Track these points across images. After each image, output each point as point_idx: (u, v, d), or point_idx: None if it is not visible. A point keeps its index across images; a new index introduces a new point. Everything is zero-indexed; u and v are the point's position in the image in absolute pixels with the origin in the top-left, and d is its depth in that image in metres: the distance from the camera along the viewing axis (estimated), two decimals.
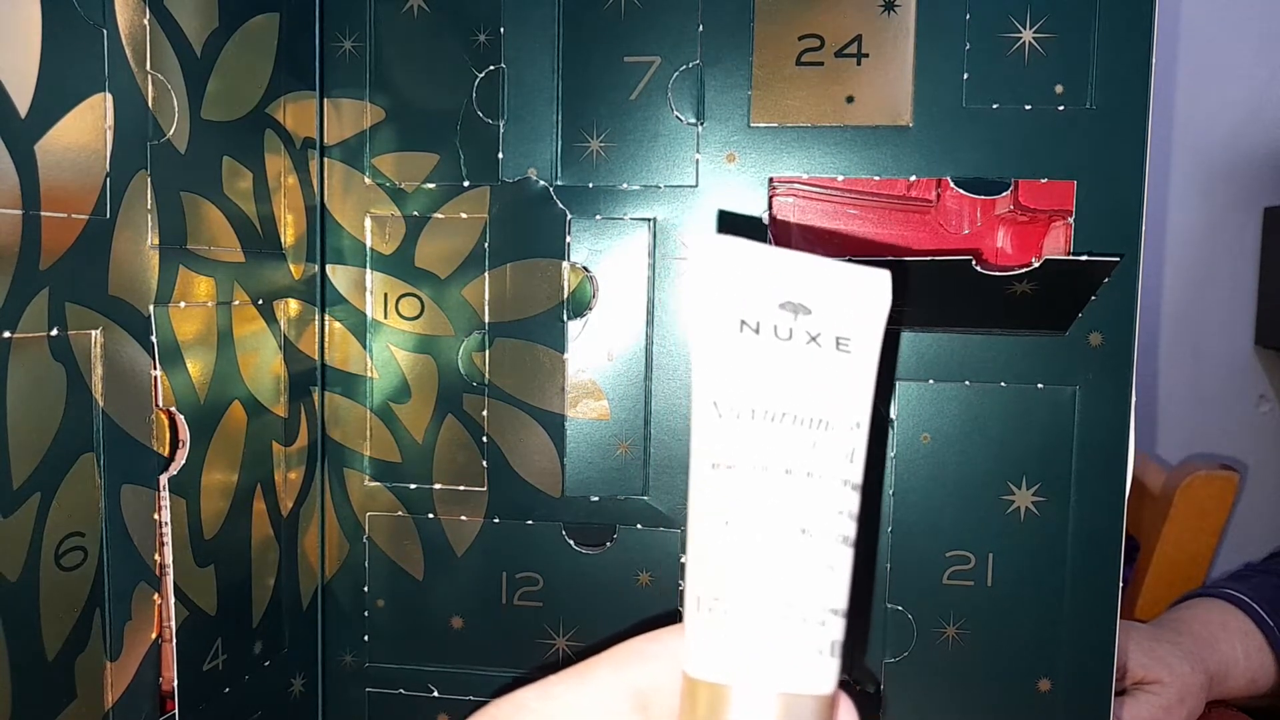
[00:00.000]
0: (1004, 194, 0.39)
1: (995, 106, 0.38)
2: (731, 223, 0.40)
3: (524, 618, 0.42)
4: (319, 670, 0.44)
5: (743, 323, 0.19)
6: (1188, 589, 0.78)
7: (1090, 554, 0.39)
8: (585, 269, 0.41)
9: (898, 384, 0.40)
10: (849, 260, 0.20)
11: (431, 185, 0.42)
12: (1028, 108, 0.38)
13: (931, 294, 0.37)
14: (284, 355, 0.40)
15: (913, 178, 0.39)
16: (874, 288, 0.20)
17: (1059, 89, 0.38)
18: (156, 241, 0.33)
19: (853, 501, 0.19)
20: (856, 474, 0.19)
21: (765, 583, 0.18)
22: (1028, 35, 0.38)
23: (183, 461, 0.34)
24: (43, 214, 0.28)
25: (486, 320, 0.42)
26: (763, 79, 0.40)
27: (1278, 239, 1.01)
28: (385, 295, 0.43)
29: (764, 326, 0.19)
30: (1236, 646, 0.61)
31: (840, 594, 0.19)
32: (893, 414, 0.40)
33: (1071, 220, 0.38)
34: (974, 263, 0.35)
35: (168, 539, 0.34)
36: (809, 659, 0.18)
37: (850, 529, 0.19)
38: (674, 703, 0.19)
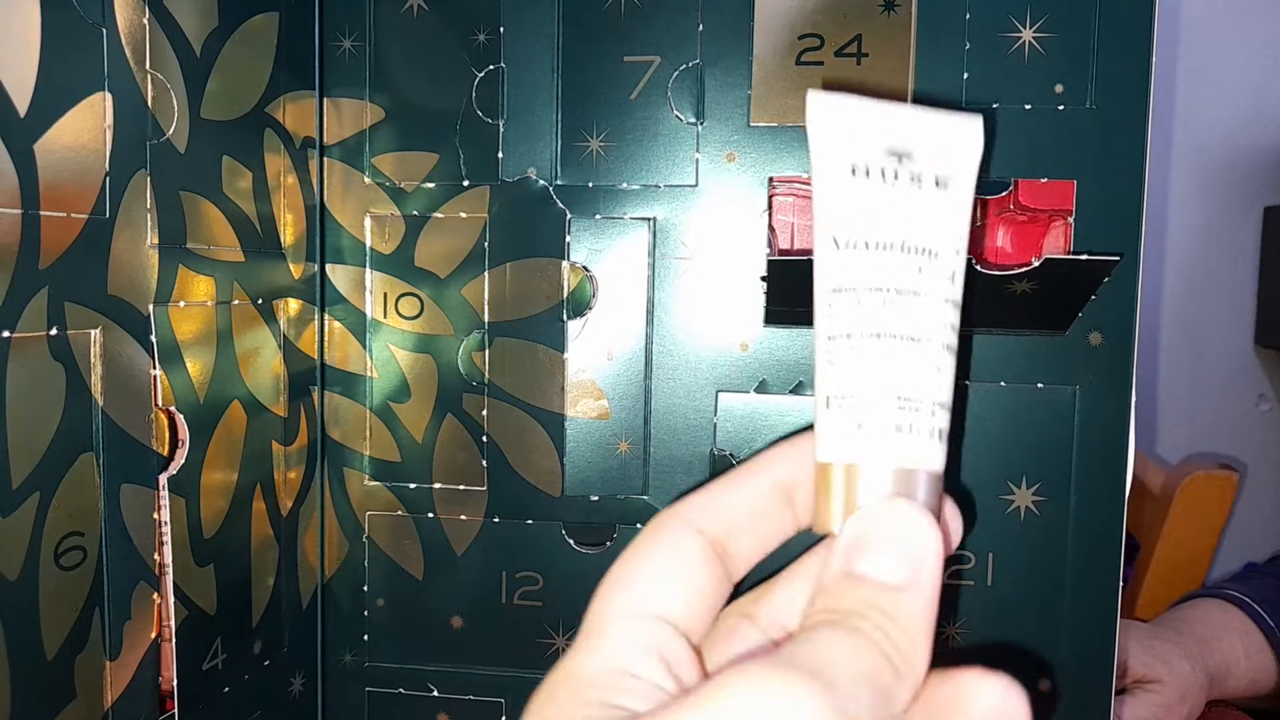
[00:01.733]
0: (1004, 193, 0.39)
1: (995, 106, 0.38)
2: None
3: (524, 617, 0.42)
4: (319, 670, 0.44)
5: (854, 167, 0.22)
6: (1188, 588, 0.78)
7: (1090, 553, 0.39)
8: (585, 268, 0.41)
9: None
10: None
11: (431, 185, 0.42)
12: (1028, 107, 0.38)
13: None
14: (283, 355, 0.40)
15: None
16: (968, 132, 0.23)
17: (1059, 88, 0.38)
18: (156, 241, 0.33)
19: (954, 315, 0.22)
20: (957, 293, 0.22)
21: (884, 381, 0.21)
22: (1028, 35, 0.38)
23: (182, 461, 0.34)
24: (42, 213, 0.28)
25: (486, 320, 0.42)
26: (762, 78, 0.40)
27: (1277, 238, 1.01)
28: (385, 295, 0.43)
29: (872, 170, 0.22)
30: (1237, 646, 0.61)
31: (946, 389, 0.22)
32: None
33: (1071, 220, 0.38)
34: (974, 262, 0.35)
35: (167, 538, 0.34)
36: (922, 441, 0.21)
37: (952, 339, 0.22)
38: (810, 491, 0.22)
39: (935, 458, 0.21)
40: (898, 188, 0.22)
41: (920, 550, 0.20)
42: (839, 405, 0.22)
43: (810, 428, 0.23)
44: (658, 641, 0.20)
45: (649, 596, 0.21)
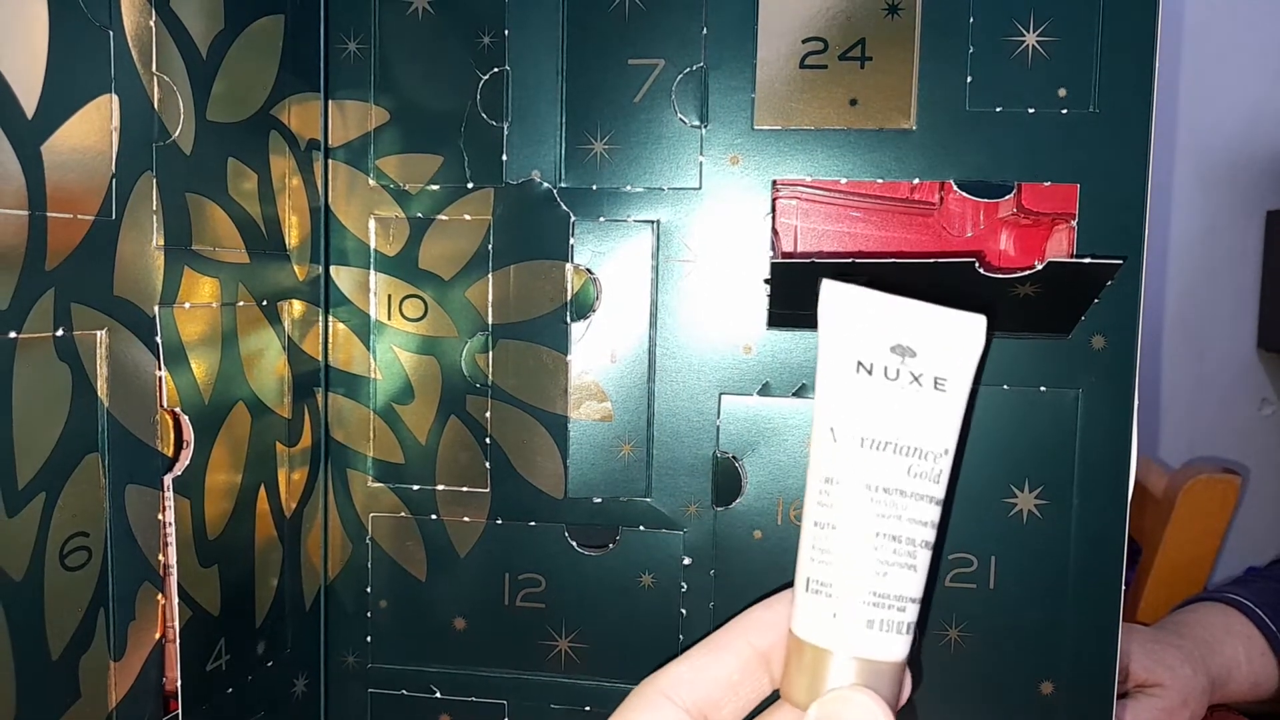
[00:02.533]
0: (1007, 197, 0.39)
1: (998, 109, 0.38)
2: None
3: (526, 619, 0.42)
4: (321, 671, 0.44)
5: (859, 363, 0.23)
6: (1190, 592, 0.78)
7: (1092, 557, 0.39)
8: (589, 271, 0.41)
9: None
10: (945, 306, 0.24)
11: (435, 187, 0.42)
12: (1031, 111, 0.38)
13: (934, 296, 0.37)
14: (288, 356, 0.40)
15: (916, 180, 0.39)
16: (971, 332, 0.24)
17: (1062, 92, 0.38)
18: (161, 242, 0.33)
19: (935, 513, 0.23)
20: (940, 491, 0.23)
21: (862, 577, 0.22)
22: (1031, 38, 0.38)
23: (187, 462, 0.34)
24: (48, 215, 0.28)
25: (490, 322, 0.42)
26: (766, 82, 0.40)
27: None
28: (389, 296, 0.43)
29: (876, 368, 0.23)
30: (1239, 650, 0.61)
31: (918, 587, 0.23)
32: None
33: (1074, 223, 0.38)
34: (977, 265, 0.35)
35: (171, 539, 0.34)
36: (890, 636, 0.23)
37: (931, 535, 0.23)
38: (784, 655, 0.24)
39: (901, 650, 0.23)
40: (898, 386, 0.23)
41: None
42: (817, 592, 0.23)
43: (784, 587, 0.24)
44: None
45: None
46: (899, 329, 0.23)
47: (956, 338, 0.24)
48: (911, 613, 0.23)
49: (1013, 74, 0.38)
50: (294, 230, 0.41)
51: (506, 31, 0.41)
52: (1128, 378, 0.38)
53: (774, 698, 0.25)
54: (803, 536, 0.23)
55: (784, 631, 0.24)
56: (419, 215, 0.42)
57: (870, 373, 0.23)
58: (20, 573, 0.28)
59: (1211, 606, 0.64)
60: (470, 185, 0.42)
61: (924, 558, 0.23)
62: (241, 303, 0.37)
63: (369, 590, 0.44)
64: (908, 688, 0.24)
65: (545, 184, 0.41)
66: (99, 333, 0.30)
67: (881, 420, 0.23)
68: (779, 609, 0.24)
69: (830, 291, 0.24)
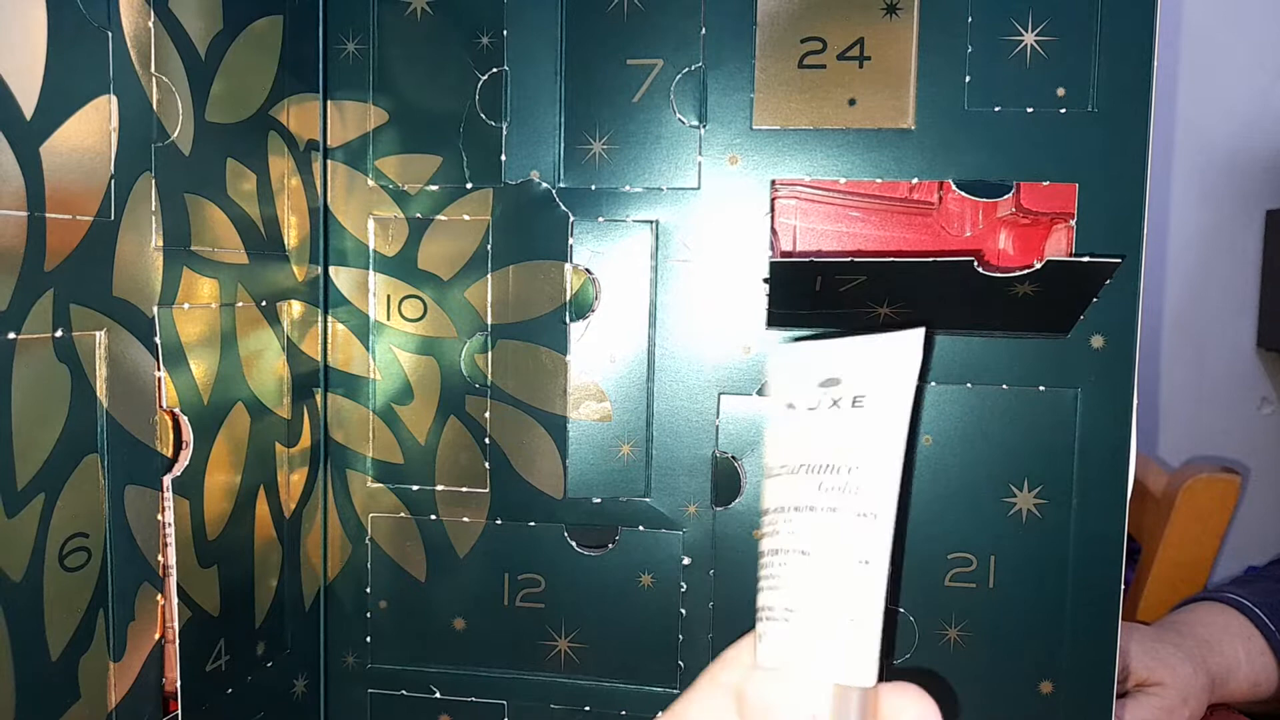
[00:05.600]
0: (1006, 197, 0.39)
1: (997, 109, 0.38)
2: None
3: (526, 619, 0.42)
4: (321, 671, 0.44)
5: (788, 404, 0.24)
6: (1189, 591, 0.78)
7: (1092, 556, 0.39)
8: (588, 271, 0.41)
9: None
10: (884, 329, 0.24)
11: (434, 187, 0.42)
12: (1029, 110, 0.38)
13: (933, 295, 0.37)
14: (287, 356, 0.40)
15: (915, 180, 0.39)
16: (903, 348, 0.24)
17: (1061, 91, 0.38)
18: (160, 243, 0.33)
19: (868, 528, 0.23)
20: (868, 505, 0.23)
21: (801, 598, 0.23)
22: (1029, 38, 0.38)
23: (186, 462, 0.34)
24: (47, 215, 0.28)
25: (489, 322, 0.42)
26: (765, 81, 0.40)
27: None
28: (388, 297, 0.43)
29: (801, 403, 0.24)
30: (1238, 649, 0.61)
31: (866, 603, 0.23)
32: None
33: (1073, 223, 0.38)
34: (975, 264, 0.35)
35: (171, 540, 0.34)
36: (840, 655, 0.22)
37: (869, 553, 0.23)
38: (755, 692, 0.24)
39: (860, 675, 0.22)
40: (817, 414, 0.24)
41: None
42: (766, 617, 0.23)
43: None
44: None
45: None
46: (829, 366, 0.24)
47: (885, 357, 0.24)
48: (870, 630, 0.23)
49: (1011, 73, 0.38)
50: (293, 231, 0.41)
51: (505, 32, 0.41)
52: (1127, 377, 0.38)
53: None
54: (760, 569, 0.24)
55: (751, 668, 0.24)
56: (418, 216, 0.42)
57: (795, 408, 0.24)
58: (20, 573, 0.28)
59: (1211, 606, 0.64)
60: (469, 185, 0.42)
61: (863, 574, 0.23)
62: (240, 303, 0.37)
63: (369, 590, 0.44)
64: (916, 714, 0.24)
65: (544, 184, 0.41)
66: (98, 333, 0.30)
67: (798, 447, 0.24)
68: (745, 646, 0.25)
69: (775, 353, 0.25)
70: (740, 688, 0.24)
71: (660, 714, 0.25)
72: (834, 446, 0.23)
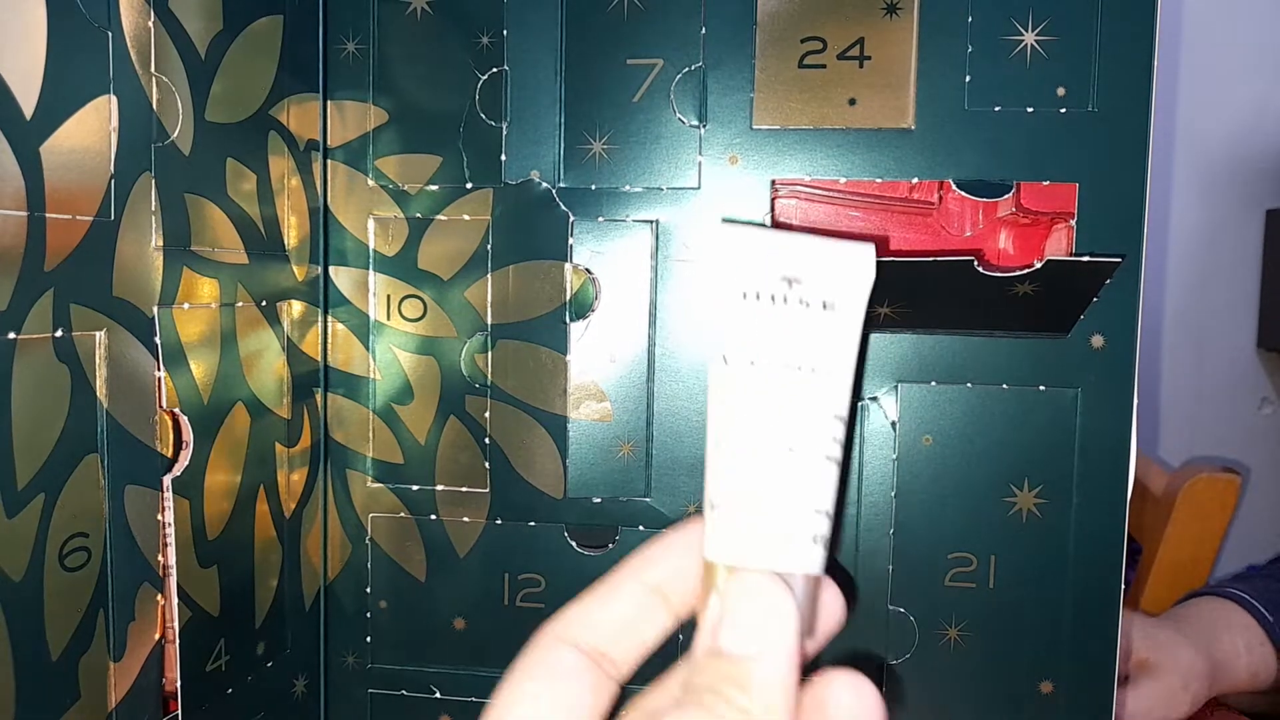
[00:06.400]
0: (1006, 196, 0.39)
1: (997, 109, 0.38)
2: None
3: (526, 619, 0.42)
4: (321, 671, 0.44)
5: (745, 292, 0.24)
6: (1190, 591, 0.78)
7: (1092, 556, 0.39)
8: (588, 271, 0.41)
9: (899, 386, 0.40)
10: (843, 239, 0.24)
11: (434, 187, 0.42)
12: (1030, 110, 0.38)
13: (933, 295, 0.37)
14: (287, 356, 0.40)
15: (915, 180, 0.39)
16: (860, 260, 0.24)
17: (1061, 91, 0.38)
18: (160, 243, 0.33)
19: (838, 429, 0.23)
20: (841, 408, 0.23)
21: (761, 491, 0.23)
22: (1030, 38, 0.38)
23: (186, 462, 0.34)
24: (47, 215, 0.28)
25: (489, 322, 0.42)
26: (765, 81, 0.40)
27: None
28: (388, 297, 0.43)
29: (763, 294, 0.23)
30: (1238, 640, 0.61)
31: (826, 498, 0.23)
32: (894, 416, 0.40)
33: (1073, 223, 0.38)
34: (976, 263, 0.35)
35: (171, 540, 0.34)
36: (797, 547, 0.22)
37: (835, 450, 0.23)
38: (686, 591, 0.24)
39: (810, 562, 0.23)
40: (785, 308, 0.23)
41: (772, 620, 0.21)
42: (722, 510, 0.23)
43: (683, 523, 0.25)
44: None
45: (527, 717, 0.22)
46: (787, 261, 0.24)
47: (845, 266, 0.24)
48: (820, 524, 0.23)
49: (1011, 73, 0.38)
50: (293, 231, 0.41)
51: (505, 32, 0.41)
52: (1127, 377, 0.38)
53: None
54: (707, 461, 0.24)
55: (679, 568, 0.24)
56: (418, 215, 0.42)
57: (758, 298, 0.23)
58: (20, 573, 0.28)
59: (1210, 600, 0.65)
60: (469, 185, 0.42)
61: (830, 471, 0.23)
62: (240, 303, 0.37)
63: (369, 590, 0.44)
64: (835, 609, 0.24)
65: (544, 184, 0.41)
66: (98, 333, 0.30)
67: (769, 340, 0.23)
68: (671, 542, 0.24)
69: (723, 232, 0.24)
70: (664, 588, 0.24)
71: (568, 607, 0.24)
72: (812, 346, 0.23)
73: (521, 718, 0.22)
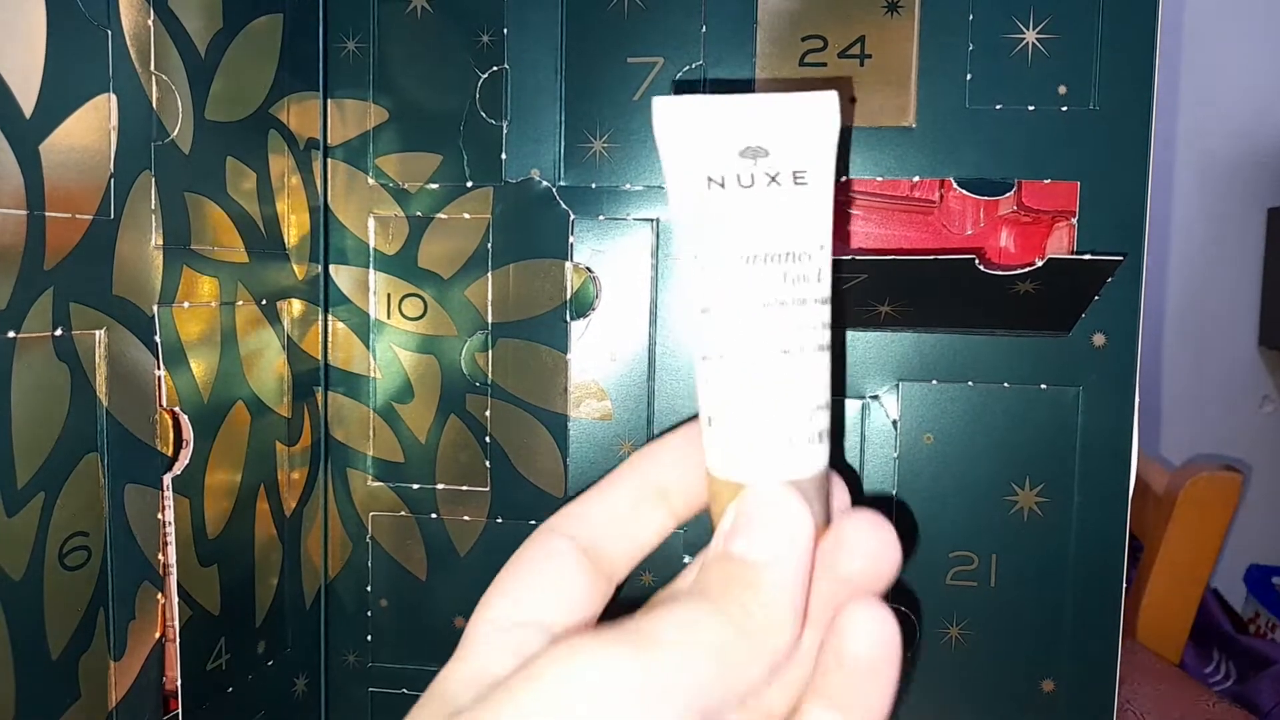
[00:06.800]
0: (1007, 195, 0.39)
1: (998, 107, 0.38)
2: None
3: None
4: (322, 670, 0.44)
5: (710, 178, 0.21)
6: (1191, 590, 0.78)
7: (1093, 555, 0.39)
8: (588, 269, 0.41)
9: (901, 384, 0.40)
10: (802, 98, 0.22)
11: (435, 186, 0.42)
12: (1031, 108, 0.38)
13: (934, 294, 0.37)
14: (287, 355, 0.40)
15: (916, 178, 0.39)
16: (823, 112, 0.21)
17: (1062, 89, 0.38)
18: (160, 242, 0.33)
19: (824, 313, 0.22)
20: (825, 290, 0.21)
21: (757, 398, 0.21)
22: (1031, 36, 0.38)
23: (186, 461, 0.34)
24: (47, 214, 0.28)
25: (489, 320, 0.42)
26: (765, 80, 0.40)
27: None
28: (388, 295, 0.43)
29: (729, 178, 0.21)
30: None
31: (822, 392, 0.22)
32: (895, 414, 0.40)
33: (1075, 221, 0.38)
34: (977, 262, 0.35)
35: (171, 538, 0.34)
36: (801, 449, 0.21)
37: (825, 337, 0.22)
38: (687, 489, 0.23)
39: (817, 461, 0.22)
40: (755, 192, 0.21)
41: (786, 528, 0.20)
42: (719, 424, 0.21)
43: (684, 423, 0.24)
44: (528, 647, 0.20)
45: (520, 605, 0.21)
46: (745, 129, 0.21)
47: (809, 123, 0.21)
48: (821, 419, 0.21)
49: (1013, 71, 0.38)
50: (293, 229, 0.41)
51: (505, 30, 0.41)
52: (1128, 375, 0.38)
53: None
54: (698, 374, 0.22)
55: (679, 463, 0.23)
56: (418, 214, 0.42)
57: (723, 185, 0.21)
58: (20, 572, 0.28)
59: None
60: (469, 184, 0.42)
61: (822, 361, 0.21)
62: (240, 302, 0.37)
63: (369, 589, 0.43)
64: (842, 495, 0.23)
65: (544, 182, 0.41)
66: (98, 332, 0.30)
67: (746, 232, 0.21)
68: (671, 440, 0.24)
69: (663, 108, 0.21)
70: (666, 487, 0.23)
71: (565, 507, 0.23)
72: (792, 231, 0.21)
73: (512, 606, 0.21)
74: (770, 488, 0.21)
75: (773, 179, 0.21)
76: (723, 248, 0.21)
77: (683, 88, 0.40)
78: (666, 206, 0.22)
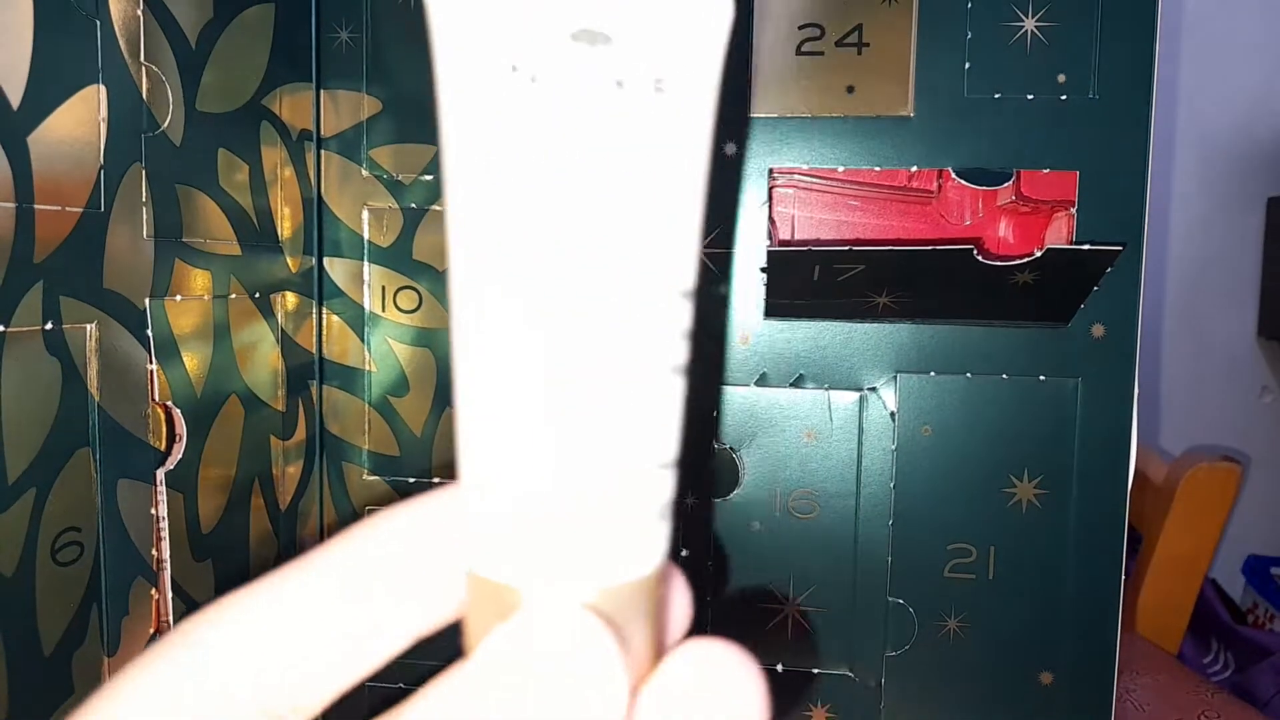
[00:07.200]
0: (1006, 184, 0.38)
1: (997, 96, 0.38)
2: None
3: None
4: None
5: (514, 65, 0.12)
6: (1190, 581, 0.78)
7: (1092, 546, 0.39)
8: None
9: (898, 376, 0.39)
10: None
11: (429, 177, 0.42)
12: (1030, 98, 0.38)
13: (932, 285, 0.37)
14: (281, 349, 0.40)
15: (914, 168, 0.39)
16: None
17: (1061, 78, 0.38)
18: (152, 234, 0.33)
19: (683, 313, 0.14)
20: (687, 277, 0.13)
21: (563, 453, 0.13)
22: (1030, 24, 0.38)
23: (179, 456, 0.34)
24: (36, 207, 0.28)
25: None
26: (763, 69, 0.39)
27: None
28: (383, 288, 0.42)
29: (542, 71, 0.12)
30: None
31: (669, 441, 0.14)
32: (893, 406, 0.39)
33: (1074, 211, 0.38)
34: (975, 252, 0.35)
35: (165, 534, 0.33)
36: (627, 535, 0.13)
37: (680, 353, 0.14)
38: (422, 590, 0.15)
39: (646, 557, 0.14)
40: (585, 100, 0.12)
41: (588, 674, 0.13)
42: (489, 493, 0.14)
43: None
44: None
45: None
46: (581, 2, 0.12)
47: (688, 5, 0.13)
48: (661, 489, 0.14)
49: (1011, 60, 0.38)
50: (286, 222, 0.40)
51: None
52: (1127, 366, 0.38)
53: None
54: (458, 414, 0.14)
55: (406, 550, 0.15)
56: (413, 206, 0.42)
57: (534, 80, 0.12)
58: (11, 568, 0.28)
59: None
60: None
61: (669, 392, 0.13)
62: (233, 295, 0.37)
63: None
64: (683, 609, 0.16)
65: None
66: (89, 326, 0.30)
67: (556, 166, 0.12)
68: (400, 513, 0.16)
69: None
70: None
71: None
72: (630, 182, 0.12)
73: None
74: (565, 604, 0.13)
75: (618, 82, 0.12)
76: (514, 184, 0.12)
77: None
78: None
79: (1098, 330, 0.38)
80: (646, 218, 0.13)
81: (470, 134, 0.12)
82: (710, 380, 0.40)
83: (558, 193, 0.12)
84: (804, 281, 0.37)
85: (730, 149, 0.40)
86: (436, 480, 0.42)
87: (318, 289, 0.42)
